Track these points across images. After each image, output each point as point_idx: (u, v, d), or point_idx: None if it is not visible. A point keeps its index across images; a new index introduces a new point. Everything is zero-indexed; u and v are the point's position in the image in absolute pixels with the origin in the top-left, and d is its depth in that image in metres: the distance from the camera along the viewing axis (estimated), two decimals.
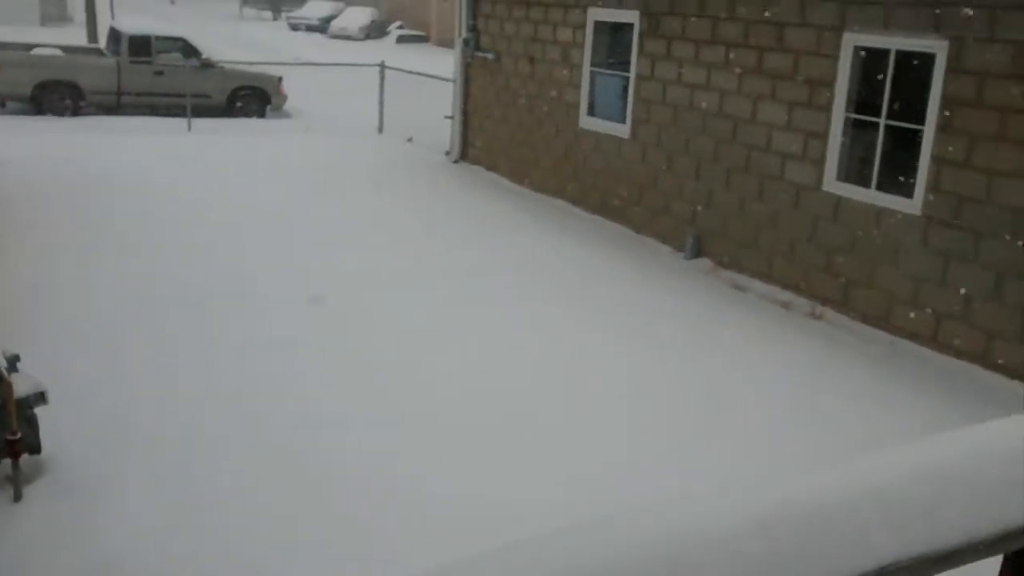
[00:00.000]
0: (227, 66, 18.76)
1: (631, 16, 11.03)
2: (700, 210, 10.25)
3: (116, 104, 17.73)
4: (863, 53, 8.38)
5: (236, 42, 33.80)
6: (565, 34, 12.24)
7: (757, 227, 9.53)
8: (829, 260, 8.76)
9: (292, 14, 52.15)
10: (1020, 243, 7.17)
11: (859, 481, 1.04)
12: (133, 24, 19.22)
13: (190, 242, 9.88)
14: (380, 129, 17.82)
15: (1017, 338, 7.26)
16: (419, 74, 17.26)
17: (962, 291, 7.62)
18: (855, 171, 8.58)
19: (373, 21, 46.98)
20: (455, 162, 15.01)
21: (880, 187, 8.28)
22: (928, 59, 7.76)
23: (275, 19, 55.78)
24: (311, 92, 20.48)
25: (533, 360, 7.37)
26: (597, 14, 11.67)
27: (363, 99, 18.72)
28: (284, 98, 19.15)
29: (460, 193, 13.08)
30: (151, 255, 9.38)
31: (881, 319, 8.27)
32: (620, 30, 11.35)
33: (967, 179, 7.53)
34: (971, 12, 7.38)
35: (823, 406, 6.83)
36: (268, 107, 18.98)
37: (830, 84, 8.61)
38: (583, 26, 11.89)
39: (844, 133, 8.61)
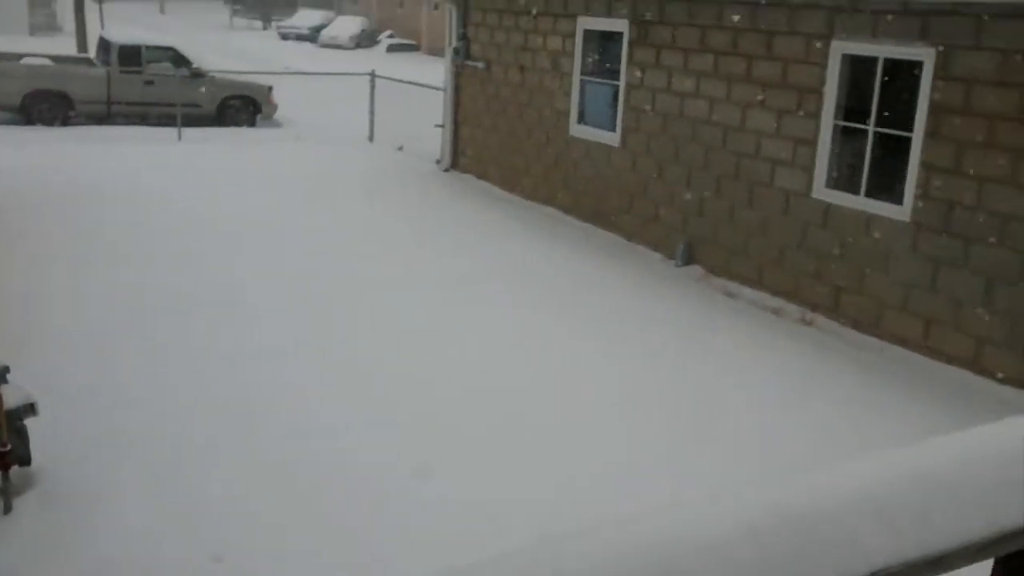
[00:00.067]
0: (217, 75, 18.76)
1: (620, 25, 11.06)
2: (691, 217, 10.28)
3: (106, 114, 17.70)
4: (851, 61, 8.43)
5: (226, 51, 33.82)
6: (555, 43, 12.27)
7: (747, 234, 9.56)
8: (819, 267, 8.79)
9: (282, 23, 52.21)
10: None
11: (850, 486, 1.04)
12: (123, 34, 19.21)
13: (181, 251, 9.85)
14: (371, 138, 17.83)
15: (1006, 343, 7.29)
16: (410, 83, 17.30)
17: (952, 297, 7.65)
18: (844, 178, 8.62)
19: (363, 30, 47.06)
20: (446, 171, 15.02)
21: (869, 194, 8.32)
22: (916, 67, 7.81)
23: (265, 28, 55.83)
24: (301, 101, 20.48)
25: (526, 367, 7.37)
26: (586, 23, 11.71)
27: (353, 108, 18.73)
28: (274, 107, 19.15)
29: (451, 201, 13.09)
30: (141, 264, 9.35)
31: (871, 325, 8.30)
32: (610, 39, 11.39)
33: (956, 186, 7.57)
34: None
35: (814, 412, 6.84)
36: (258, 116, 18.97)
37: (819, 92, 8.65)
38: (572, 35, 11.93)
39: (833, 140, 8.64)
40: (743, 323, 8.73)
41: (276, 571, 4.69)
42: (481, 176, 14.22)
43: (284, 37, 49.37)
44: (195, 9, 65.16)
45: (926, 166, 7.77)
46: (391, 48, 44.50)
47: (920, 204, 7.84)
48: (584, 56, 11.86)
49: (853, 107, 8.50)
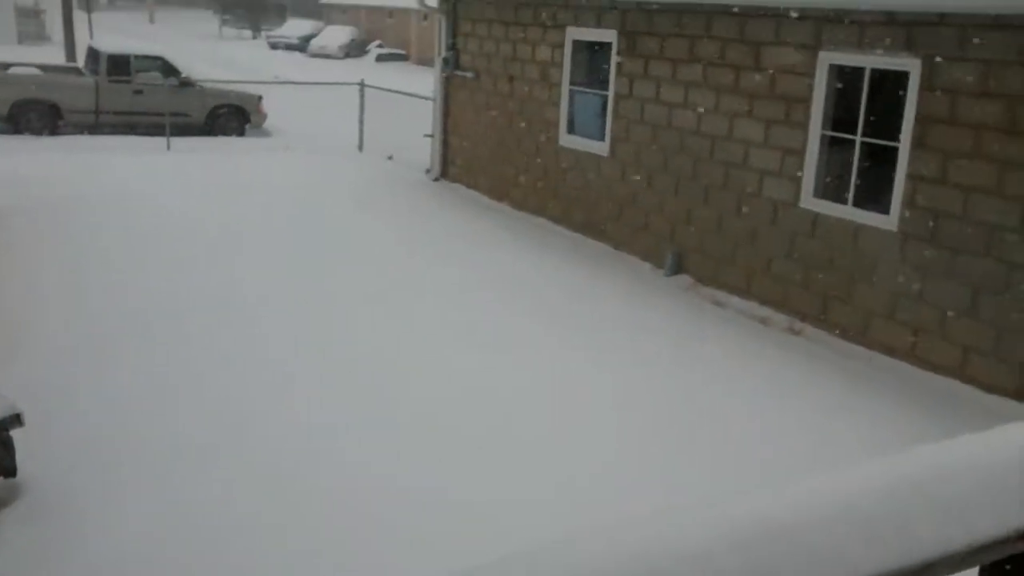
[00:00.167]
0: (206, 85, 18.74)
1: (609, 35, 11.11)
2: (679, 227, 10.31)
3: (95, 123, 17.66)
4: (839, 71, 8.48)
5: (215, 61, 33.80)
6: (544, 53, 12.31)
7: (736, 244, 9.59)
8: (807, 276, 8.83)
9: (272, 33, 52.22)
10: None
11: (835, 496, 1.04)
12: (112, 43, 19.19)
13: (172, 259, 9.82)
14: (360, 147, 17.83)
15: (993, 352, 7.33)
16: (399, 93, 17.31)
17: (938, 306, 7.69)
18: (832, 188, 8.66)
19: (353, 40, 47.10)
20: (435, 180, 15.03)
21: (857, 204, 8.36)
22: (902, 77, 7.86)
23: (254, 38, 55.84)
24: (291, 111, 20.47)
25: (517, 375, 7.37)
26: (575, 33, 11.75)
27: (343, 118, 18.73)
28: (264, 117, 19.13)
29: (441, 211, 13.09)
30: (133, 274, 9.32)
31: (859, 334, 8.33)
32: (598, 49, 11.43)
33: (942, 195, 7.61)
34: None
35: (803, 421, 6.86)
36: (248, 126, 18.95)
37: (806, 102, 8.69)
38: (561, 45, 11.96)
39: (821, 150, 8.69)
40: (732, 332, 8.75)
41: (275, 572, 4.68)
42: (471, 186, 14.23)
43: (273, 47, 49.36)
44: (184, 18, 65.15)
45: (913, 176, 7.82)
46: (380, 58, 44.53)
47: (907, 214, 7.88)
48: (573, 66, 11.90)
49: (840, 117, 8.54)
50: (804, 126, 8.73)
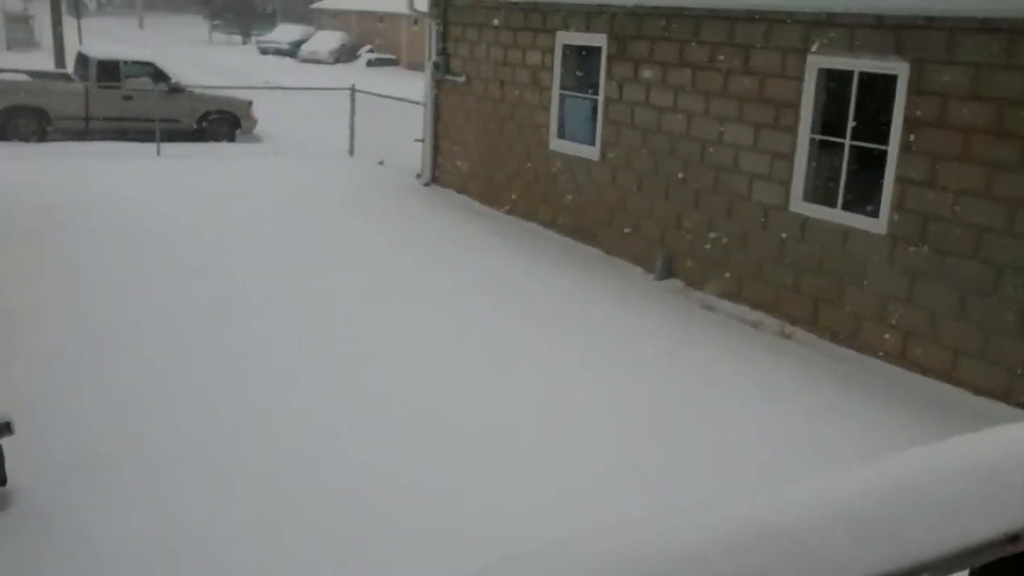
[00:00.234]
0: (197, 90, 18.71)
1: (599, 39, 11.13)
2: (669, 231, 10.33)
3: (84, 129, 17.59)
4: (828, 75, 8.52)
5: (205, 66, 33.74)
6: (534, 57, 12.32)
7: (726, 248, 9.61)
8: (797, 280, 8.85)
9: (262, 38, 52.17)
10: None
11: (826, 499, 1.05)
12: (101, 49, 19.13)
13: (164, 266, 9.79)
14: (351, 152, 17.82)
15: (982, 355, 7.36)
16: (390, 97, 17.30)
17: (928, 309, 7.72)
18: (821, 191, 8.69)
19: (343, 45, 47.09)
20: (426, 185, 15.03)
21: (846, 207, 8.39)
22: (891, 81, 7.89)
23: (244, 43, 55.76)
24: (281, 116, 20.45)
25: (509, 380, 7.37)
26: (565, 38, 11.77)
27: (334, 123, 18.72)
28: (254, 122, 19.10)
29: (432, 216, 13.09)
30: (127, 278, 9.30)
31: (850, 338, 8.36)
32: (588, 53, 11.45)
33: (931, 198, 7.65)
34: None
35: (794, 424, 6.88)
36: (238, 131, 18.91)
37: (795, 106, 8.73)
38: (552, 50, 11.98)
39: (810, 154, 8.72)
40: (723, 336, 8.77)
41: None
42: (461, 191, 14.24)
43: (264, 52, 49.31)
44: (174, 24, 65.05)
45: (902, 179, 7.85)
46: (371, 63, 44.53)
47: (896, 217, 7.92)
48: (563, 71, 11.92)
49: (829, 121, 8.58)
50: (793, 130, 8.76)
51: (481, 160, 13.68)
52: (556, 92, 12.02)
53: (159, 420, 6.36)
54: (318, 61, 45.29)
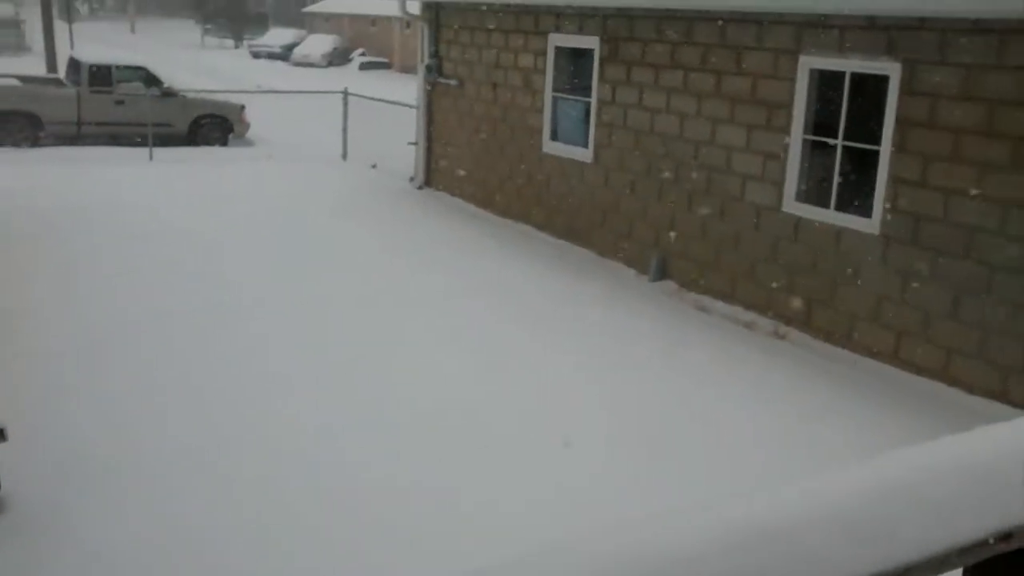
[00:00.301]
0: (189, 95, 18.68)
1: (591, 42, 11.14)
2: (663, 233, 10.34)
3: (76, 134, 17.56)
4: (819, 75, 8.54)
5: (198, 70, 33.70)
6: (526, 60, 12.33)
7: (719, 248, 9.63)
8: (791, 280, 8.87)
9: (254, 42, 52.11)
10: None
11: (819, 499, 1.05)
12: (93, 53, 19.10)
13: (158, 269, 9.78)
14: (344, 156, 17.81)
15: (975, 354, 7.38)
16: (382, 101, 17.30)
17: (921, 309, 7.74)
18: (814, 192, 8.71)
19: (336, 48, 47.06)
20: (419, 188, 15.03)
21: (839, 207, 8.41)
22: (882, 81, 7.92)
23: (237, 47, 55.69)
24: (274, 120, 20.42)
25: (507, 381, 7.37)
26: (557, 40, 11.79)
27: (326, 126, 18.70)
28: (247, 126, 19.08)
29: (425, 219, 13.09)
30: (121, 282, 9.28)
31: (843, 338, 8.37)
32: (581, 56, 11.46)
33: (923, 198, 7.67)
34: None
35: (789, 425, 6.89)
36: (231, 135, 18.89)
37: (787, 106, 8.75)
38: (544, 52, 11.99)
39: (802, 154, 8.74)
40: (717, 337, 8.78)
41: None
42: (455, 193, 14.24)
43: (256, 56, 49.26)
44: (166, 28, 64.95)
45: (894, 179, 7.88)
46: (363, 66, 44.52)
47: (889, 217, 7.94)
48: (556, 73, 11.93)
49: (822, 122, 8.60)
50: (786, 130, 8.78)
51: (474, 163, 13.68)
52: (549, 94, 12.03)
53: (154, 423, 6.36)
54: (310, 65, 45.25)
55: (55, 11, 29.16)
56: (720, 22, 9.36)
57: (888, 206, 7.94)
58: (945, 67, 7.44)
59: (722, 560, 0.93)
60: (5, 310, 8.39)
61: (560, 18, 11.65)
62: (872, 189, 8.06)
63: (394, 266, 10.65)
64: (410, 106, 15.68)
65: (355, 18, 50.09)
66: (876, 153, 8.00)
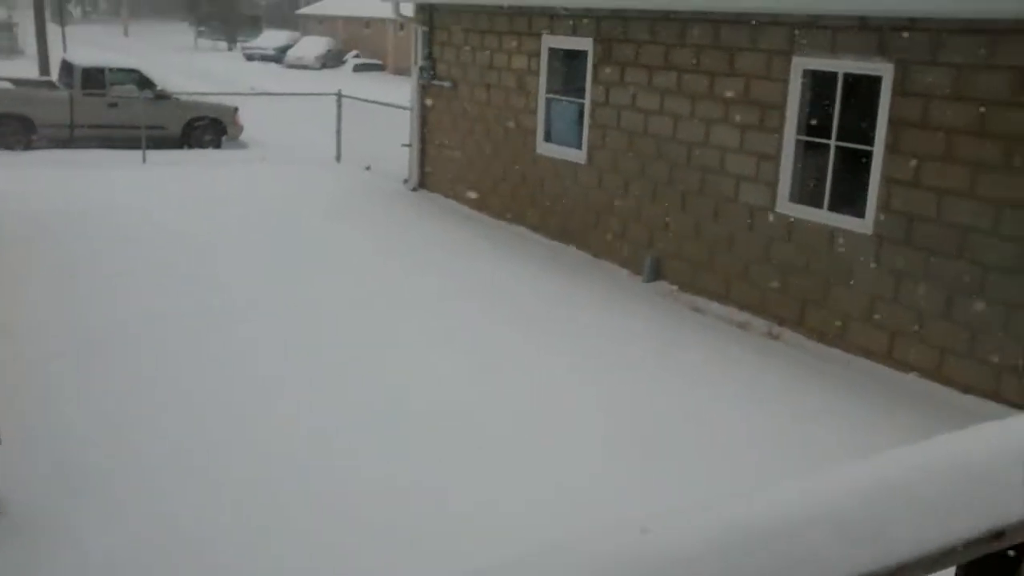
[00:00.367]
0: (182, 97, 18.65)
1: (585, 43, 11.15)
2: (657, 234, 10.35)
3: (69, 137, 17.52)
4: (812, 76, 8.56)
5: (191, 73, 33.67)
6: (520, 62, 12.34)
7: (713, 249, 9.64)
8: (784, 280, 8.88)
9: (247, 44, 52.06)
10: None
11: (811, 499, 1.05)
12: (86, 56, 19.06)
13: (153, 272, 9.76)
14: (338, 158, 17.80)
15: (968, 354, 7.40)
16: (376, 103, 17.29)
17: (914, 308, 7.76)
18: (808, 192, 8.73)
19: (329, 51, 47.04)
20: (413, 190, 15.02)
21: (832, 207, 8.43)
22: (875, 82, 7.94)
23: (230, 49, 55.65)
24: (268, 122, 20.41)
25: (502, 383, 7.37)
26: (551, 41, 11.79)
27: (320, 128, 18.69)
28: (240, 128, 19.06)
29: (419, 221, 13.09)
30: (116, 284, 9.27)
31: (837, 338, 8.39)
32: (574, 57, 11.47)
33: (916, 198, 7.69)
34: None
35: (784, 425, 6.90)
36: (224, 138, 18.87)
37: (781, 107, 8.76)
38: (538, 54, 12.00)
39: (796, 155, 8.75)
40: (711, 338, 8.79)
41: None
42: (449, 195, 14.24)
43: (249, 58, 49.23)
44: (159, 31, 64.88)
45: (887, 180, 7.89)
46: (357, 68, 44.50)
47: (882, 217, 7.96)
48: (549, 75, 11.94)
49: (815, 122, 8.61)
50: (779, 131, 8.80)
51: (468, 164, 13.68)
52: (542, 96, 12.04)
53: (147, 427, 6.35)
54: (304, 67, 45.24)
55: (48, 14, 29.11)
56: (713, 23, 9.37)
57: (881, 206, 7.96)
58: (937, 67, 7.46)
59: (720, 560, 0.93)
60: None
61: (554, 20, 11.66)
62: (865, 189, 8.07)
63: (388, 268, 10.64)
64: (404, 108, 15.68)
65: (349, 20, 50.08)
66: (869, 153, 8.02)
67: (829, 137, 8.39)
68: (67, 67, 18.22)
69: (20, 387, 6.87)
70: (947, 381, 7.52)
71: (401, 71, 38.67)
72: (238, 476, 5.76)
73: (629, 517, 0.99)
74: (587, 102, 11.20)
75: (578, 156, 11.44)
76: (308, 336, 8.26)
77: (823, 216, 8.49)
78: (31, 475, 5.58)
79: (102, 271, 9.84)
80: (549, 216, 12.02)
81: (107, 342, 7.86)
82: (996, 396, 7.22)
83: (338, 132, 17.82)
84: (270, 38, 51.08)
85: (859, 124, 8.14)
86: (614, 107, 10.80)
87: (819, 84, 8.52)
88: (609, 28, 10.76)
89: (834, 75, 8.31)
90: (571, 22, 11.36)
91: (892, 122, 7.80)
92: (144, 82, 17.97)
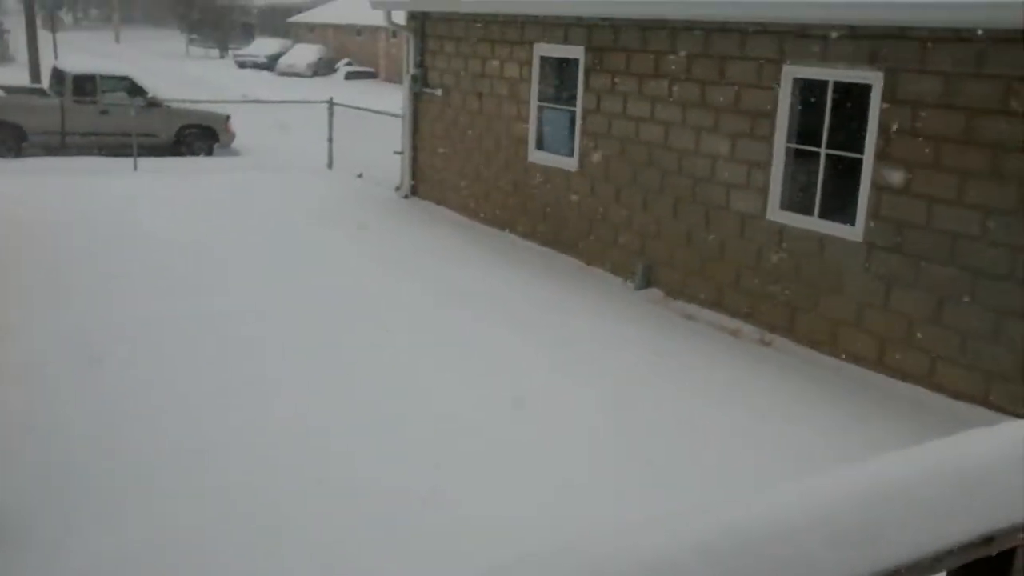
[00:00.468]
0: (174, 105, 18.62)
1: (576, 51, 11.18)
2: (648, 241, 10.37)
3: (60, 145, 17.47)
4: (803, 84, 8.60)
5: (182, 80, 33.60)
6: (512, 70, 12.36)
7: (704, 257, 9.67)
8: (775, 288, 8.91)
9: (239, 52, 52.01)
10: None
11: (804, 504, 1.07)
12: (77, 63, 19.01)
13: (143, 279, 9.73)
14: (330, 165, 17.79)
15: (959, 360, 7.43)
16: (368, 110, 17.29)
17: (905, 315, 7.80)
18: (798, 200, 8.76)
19: (321, 58, 47.03)
20: (405, 197, 15.02)
21: (823, 215, 8.46)
22: (865, 90, 7.98)
23: (222, 57, 55.56)
24: (259, 130, 20.39)
25: (496, 388, 7.37)
26: (542, 50, 11.82)
27: (312, 136, 18.68)
28: (232, 136, 19.03)
29: (411, 228, 13.08)
30: (109, 291, 9.23)
31: (828, 344, 8.42)
32: (566, 65, 11.50)
33: (906, 206, 7.73)
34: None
35: (774, 431, 6.91)
36: (216, 145, 18.84)
37: (771, 115, 8.80)
38: (529, 62, 12.03)
39: (786, 163, 8.79)
40: (703, 345, 8.81)
41: None
42: (440, 202, 14.24)
43: (241, 65, 49.16)
44: (150, 38, 64.75)
45: (877, 187, 7.93)
46: (349, 76, 44.50)
47: (872, 224, 7.99)
48: (541, 82, 11.97)
49: (805, 130, 8.65)
50: (769, 139, 8.83)
51: (460, 172, 13.69)
52: (534, 104, 12.06)
53: (144, 430, 6.34)
54: (296, 74, 45.21)
55: (39, 21, 29.03)
56: (704, 32, 9.41)
57: (871, 213, 7.99)
58: (927, 76, 7.51)
59: (716, 563, 0.94)
60: None
61: (545, 28, 11.69)
62: (855, 197, 8.11)
63: (380, 275, 10.64)
64: (396, 116, 15.69)
65: (340, 28, 50.08)
66: (859, 161, 8.06)
67: (819, 145, 8.43)
68: (58, 74, 18.17)
69: (14, 391, 6.85)
70: (938, 387, 7.56)
71: (393, 79, 38.67)
72: (235, 478, 5.75)
73: (623, 520, 1.00)
74: (579, 110, 11.23)
75: (570, 163, 11.46)
76: (301, 341, 8.26)
77: (814, 223, 8.52)
78: (25, 478, 5.55)
79: (94, 277, 9.81)
80: (541, 223, 12.04)
81: (101, 347, 7.83)
82: (986, 402, 7.25)
83: (330, 140, 17.82)
84: (262, 46, 51.04)
85: (849, 132, 8.18)
86: (606, 115, 10.83)
87: (809, 92, 8.57)
88: (600, 36, 10.80)
89: (824, 83, 8.36)
90: (562, 30, 11.39)
91: (882, 130, 7.84)
92: (136, 89, 17.93)
